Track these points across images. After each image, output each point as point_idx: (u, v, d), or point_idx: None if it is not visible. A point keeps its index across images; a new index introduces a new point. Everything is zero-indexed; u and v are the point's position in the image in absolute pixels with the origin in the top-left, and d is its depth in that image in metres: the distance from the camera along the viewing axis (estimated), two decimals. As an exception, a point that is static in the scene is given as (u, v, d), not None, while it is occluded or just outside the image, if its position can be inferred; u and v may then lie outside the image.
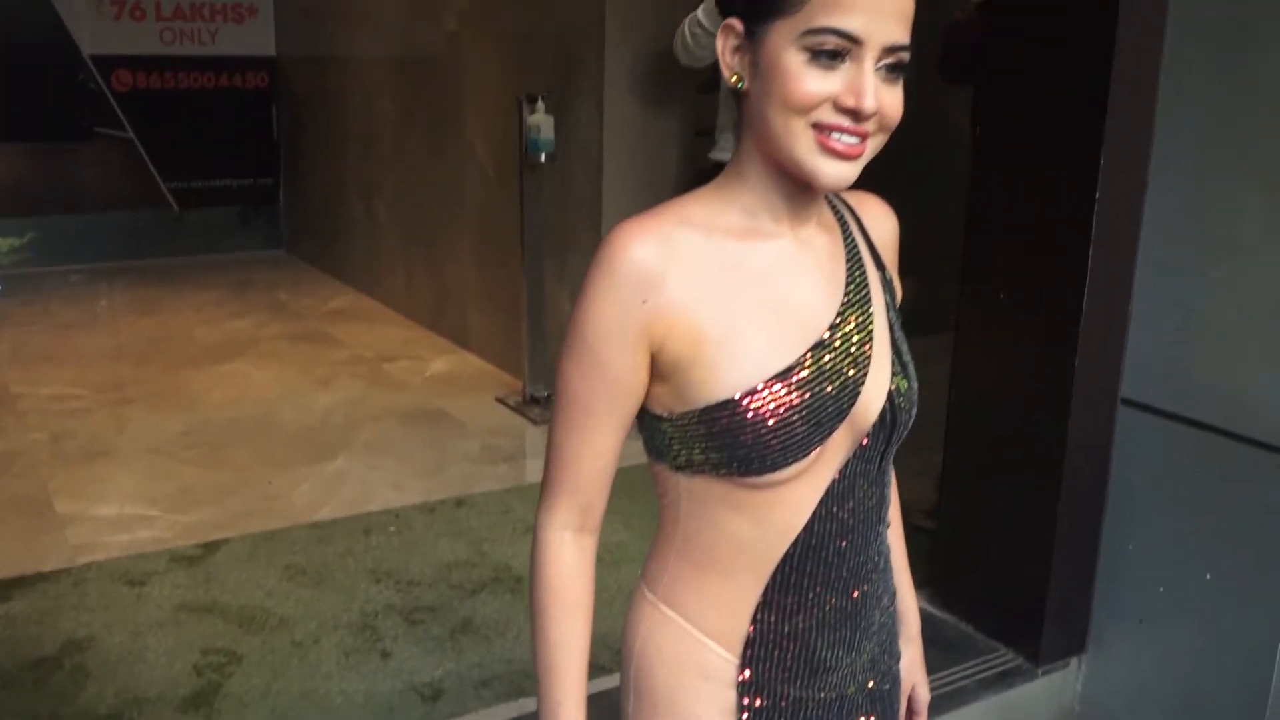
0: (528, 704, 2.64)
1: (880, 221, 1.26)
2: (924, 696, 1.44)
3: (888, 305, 1.20)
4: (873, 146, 1.06)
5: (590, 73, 4.45)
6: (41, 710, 2.65)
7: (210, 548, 3.48)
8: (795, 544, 1.14)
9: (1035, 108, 2.69)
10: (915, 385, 1.19)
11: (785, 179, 1.10)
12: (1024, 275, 2.74)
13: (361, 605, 3.15)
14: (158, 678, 2.79)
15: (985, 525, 2.94)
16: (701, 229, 1.10)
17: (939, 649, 2.90)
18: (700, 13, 3.28)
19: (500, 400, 4.92)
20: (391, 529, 3.65)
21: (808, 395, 1.09)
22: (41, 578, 3.27)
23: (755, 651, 1.17)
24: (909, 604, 1.43)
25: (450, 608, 3.15)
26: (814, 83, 1.02)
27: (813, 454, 1.10)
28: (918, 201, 5.46)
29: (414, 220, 6.22)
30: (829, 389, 1.10)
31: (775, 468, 1.09)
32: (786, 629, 1.17)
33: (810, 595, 1.16)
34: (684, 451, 1.12)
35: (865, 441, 1.15)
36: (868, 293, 1.17)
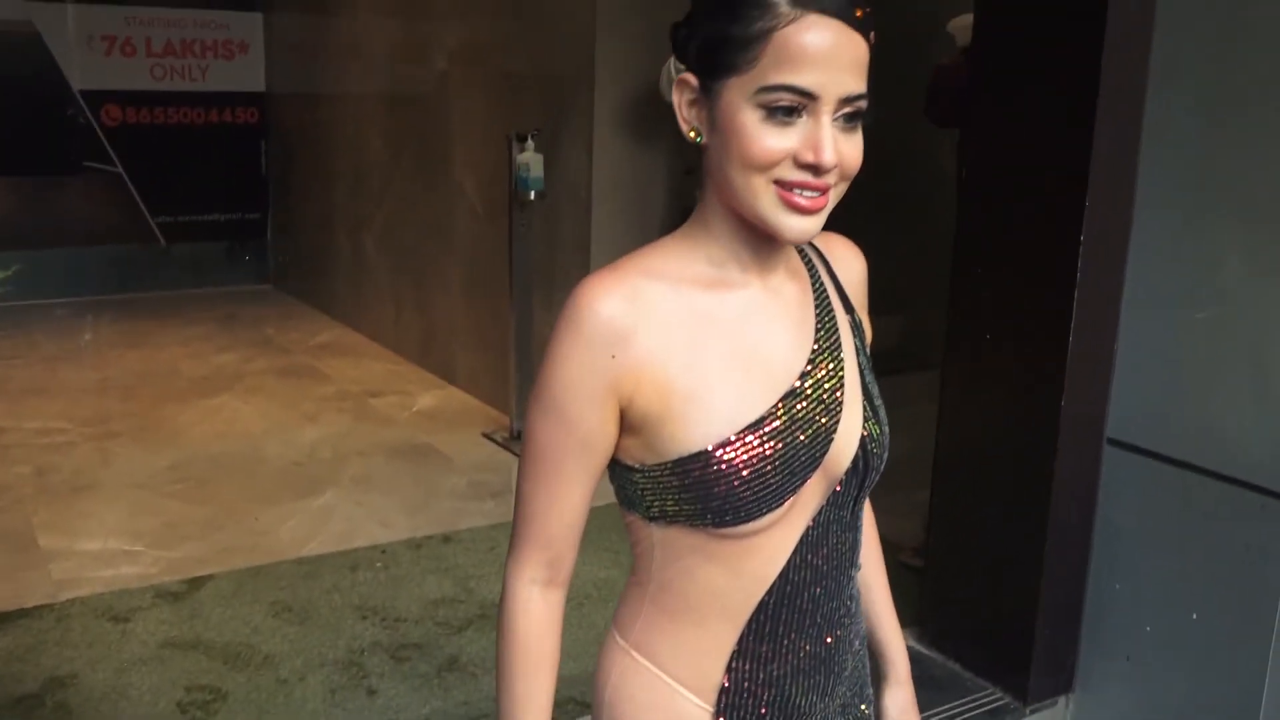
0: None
1: (848, 263, 1.26)
2: None
3: (858, 349, 1.19)
4: (834, 196, 1.06)
5: (580, 112, 4.49)
6: (23, 748, 2.63)
7: (195, 584, 3.46)
8: (770, 592, 1.14)
9: (1020, 150, 2.73)
10: (886, 429, 1.19)
11: (750, 229, 1.09)
12: (1010, 315, 2.77)
13: (348, 642, 3.14)
14: (142, 715, 2.76)
15: (973, 564, 2.95)
16: (668, 281, 1.09)
17: (927, 688, 2.89)
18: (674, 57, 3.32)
19: (487, 436, 4.91)
20: (378, 565, 3.63)
21: (781, 445, 1.08)
22: (24, 613, 3.24)
23: (730, 699, 1.16)
24: (897, 647, 1.42)
25: (437, 645, 3.14)
26: (772, 140, 1.02)
27: (787, 503, 1.10)
28: (912, 241, 5.47)
29: (402, 256, 6.24)
30: (802, 437, 1.09)
31: (750, 518, 1.08)
32: (762, 677, 1.16)
33: (785, 643, 1.16)
34: (657, 502, 1.11)
35: (838, 488, 1.15)
36: (838, 338, 1.16)
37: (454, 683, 2.95)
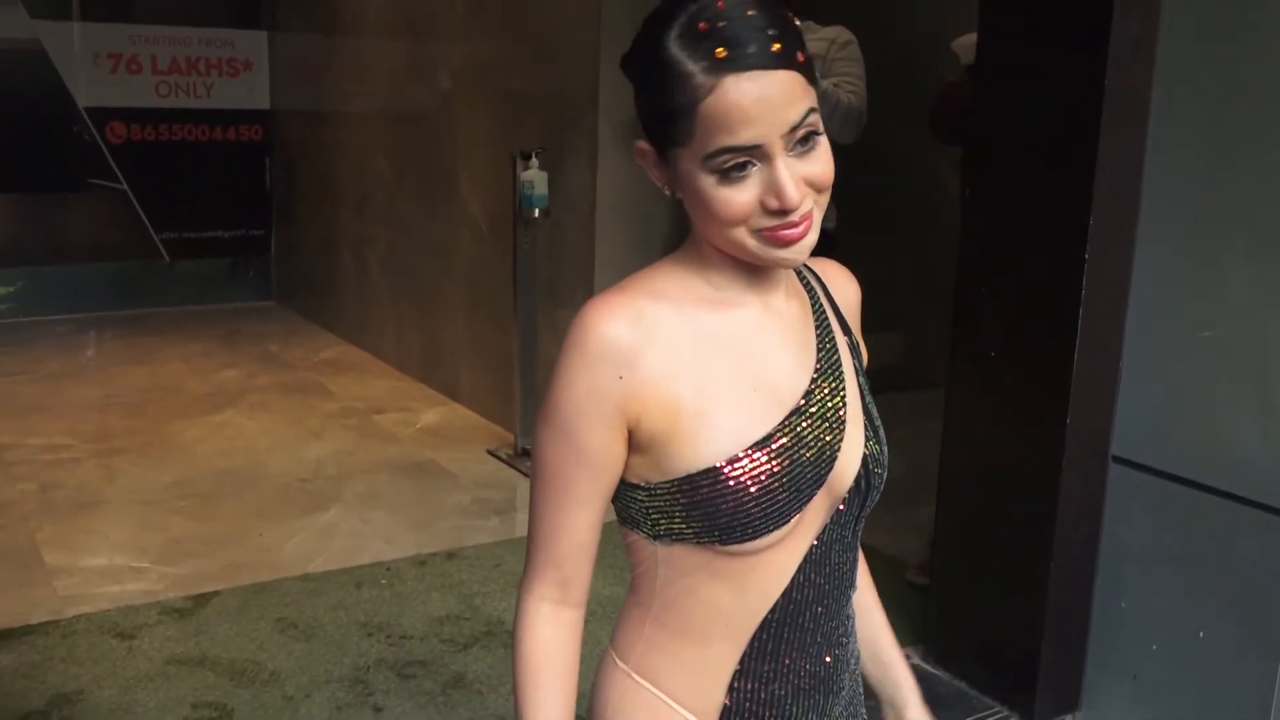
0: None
1: (843, 288, 1.28)
2: None
3: (856, 370, 1.21)
4: (817, 212, 1.08)
5: (584, 130, 4.51)
6: (29, 765, 2.62)
7: (201, 600, 3.46)
8: (774, 610, 1.14)
9: (1024, 168, 2.75)
10: (886, 449, 1.21)
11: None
12: (1014, 333, 2.78)
13: (353, 659, 3.14)
14: (148, 732, 2.76)
15: (978, 582, 2.95)
16: (672, 301, 1.11)
17: (933, 706, 2.88)
18: None
19: (492, 453, 4.92)
20: (383, 582, 3.63)
21: (787, 462, 1.09)
22: (29, 630, 3.24)
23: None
24: (905, 668, 1.42)
25: (442, 662, 3.14)
26: (735, 197, 1.04)
27: (793, 520, 1.10)
28: (916, 258, 5.48)
29: (406, 272, 6.25)
30: (807, 455, 1.11)
31: (757, 535, 1.09)
32: (764, 696, 1.16)
33: (786, 662, 1.16)
34: (663, 520, 1.12)
35: (842, 506, 1.16)
36: (838, 357, 1.18)
37: (459, 700, 2.94)
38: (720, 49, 1.00)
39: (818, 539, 1.15)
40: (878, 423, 1.20)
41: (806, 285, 1.22)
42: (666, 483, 1.10)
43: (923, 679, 2.94)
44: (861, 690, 1.32)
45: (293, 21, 7.58)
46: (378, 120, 6.46)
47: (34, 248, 7.59)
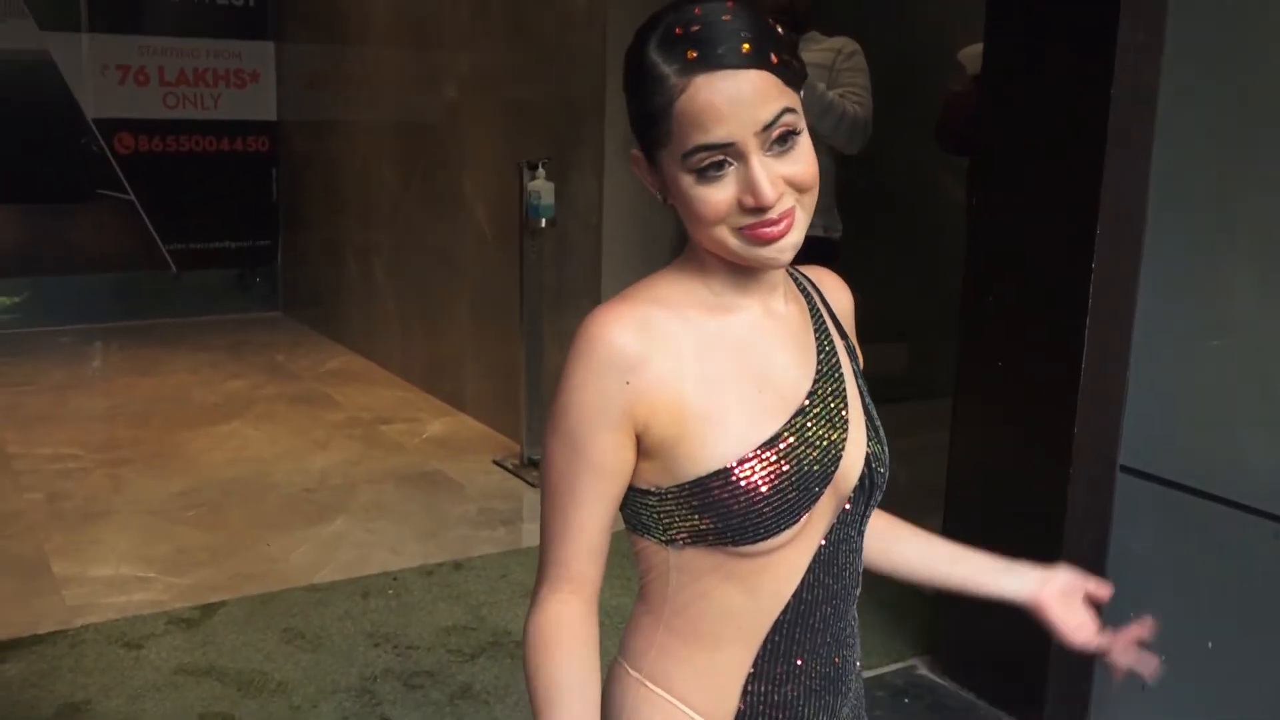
0: (528, 771, 2.62)
1: (837, 294, 1.30)
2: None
3: (855, 372, 1.23)
4: (800, 210, 1.10)
5: (590, 139, 4.52)
6: (37, 775, 2.63)
7: (208, 610, 3.47)
8: (785, 611, 1.16)
9: (1031, 178, 2.75)
10: (888, 449, 1.23)
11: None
12: (1021, 343, 2.78)
13: (360, 669, 3.14)
14: (155, 742, 2.76)
15: (985, 591, 2.94)
16: (675, 308, 1.13)
17: (943, 717, 2.88)
18: None
19: (498, 463, 4.92)
20: (390, 592, 3.63)
21: (795, 461, 1.11)
22: (38, 640, 3.25)
23: None
24: (982, 556, 1.43)
25: (449, 672, 3.14)
26: (713, 196, 1.07)
27: (802, 520, 1.12)
28: (923, 268, 5.48)
29: (412, 283, 6.26)
30: (813, 454, 1.13)
31: (770, 534, 1.11)
32: (776, 698, 1.17)
33: (798, 663, 1.18)
34: (675, 525, 1.13)
35: (848, 506, 1.18)
36: (838, 359, 1.21)
37: (467, 711, 2.94)
38: (691, 51, 1.05)
39: (826, 539, 1.17)
40: (878, 423, 1.23)
41: (803, 290, 1.25)
42: (677, 486, 1.11)
43: (931, 690, 2.95)
44: (864, 693, 1.33)
45: (299, 33, 7.61)
46: (384, 131, 6.48)
47: (41, 258, 7.61)
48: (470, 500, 4.50)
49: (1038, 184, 2.73)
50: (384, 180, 6.50)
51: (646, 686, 1.18)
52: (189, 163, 7.82)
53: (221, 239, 8.09)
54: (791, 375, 1.16)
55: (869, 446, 1.19)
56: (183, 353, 6.98)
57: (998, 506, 2.87)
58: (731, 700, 1.17)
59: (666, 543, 1.14)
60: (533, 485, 4.63)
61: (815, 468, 1.12)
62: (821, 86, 3.50)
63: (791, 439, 1.12)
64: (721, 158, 1.06)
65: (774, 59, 1.06)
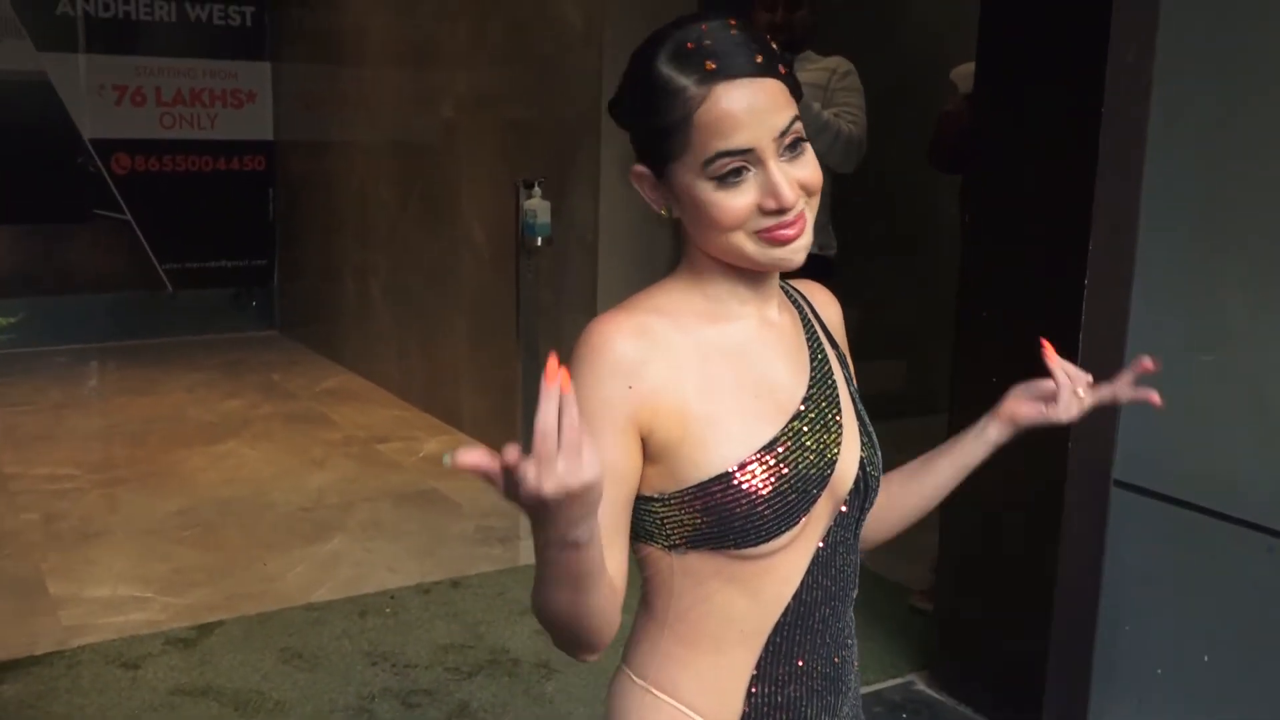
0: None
1: (827, 307, 1.34)
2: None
3: (846, 379, 1.27)
4: (810, 213, 1.14)
5: (586, 158, 4.54)
6: (34, 796, 2.62)
7: (205, 630, 3.46)
8: (786, 613, 1.19)
9: (1023, 195, 2.77)
10: (880, 455, 1.27)
11: (740, 268, 1.17)
12: (1015, 359, 2.78)
13: (358, 688, 3.14)
14: (152, 763, 2.76)
15: (983, 607, 2.96)
16: (673, 316, 1.16)
17: (938, 732, 2.89)
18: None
19: (494, 481, 4.91)
20: (387, 610, 3.63)
21: (793, 465, 1.14)
22: (34, 661, 3.24)
23: None
24: (951, 445, 1.44)
25: (447, 691, 3.14)
26: (733, 202, 1.11)
27: (800, 522, 1.15)
28: (918, 285, 5.49)
29: (409, 301, 6.28)
30: (810, 457, 1.16)
31: (770, 537, 1.14)
32: (779, 699, 1.20)
33: (800, 664, 1.20)
34: (678, 530, 1.15)
35: (844, 508, 1.21)
36: (830, 367, 1.25)
37: (464, 729, 2.94)
38: (709, 62, 1.09)
39: (823, 541, 1.20)
40: (870, 429, 1.27)
41: (794, 303, 1.29)
42: (680, 491, 1.13)
43: (928, 705, 2.95)
44: (860, 694, 1.36)
45: (296, 53, 7.65)
46: (381, 150, 6.50)
47: (38, 278, 7.62)
48: (467, 518, 4.50)
49: (1030, 201, 2.75)
50: (381, 199, 6.52)
51: (652, 694, 1.20)
52: (186, 182, 7.84)
53: (218, 258, 8.11)
54: (786, 381, 1.19)
55: (862, 451, 1.23)
56: (179, 372, 6.98)
57: (993, 521, 2.87)
58: (736, 703, 1.19)
59: (669, 548, 1.16)
60: (530, 503, 4.63)
61: (812, 471, 1.16)
62: (817, 106, 3.52)
63: (789, 443, 1.15)
64: (741, 164, 1.10)
65: (781, 69, 1.12)
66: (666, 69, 1.10)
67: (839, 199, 3.83)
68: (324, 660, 3.29)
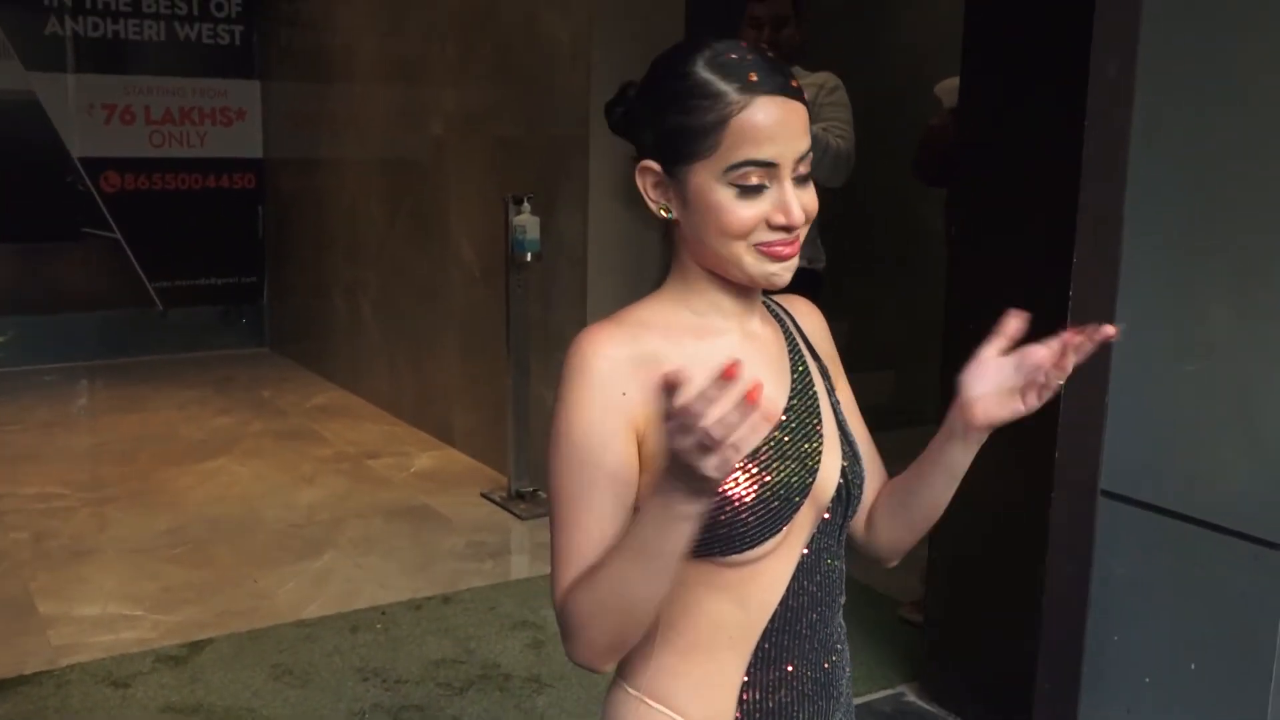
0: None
1: (807, 317, 1.37)
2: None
3: (827, 390, 1.30)
4: (802, 237, 1.19)
5: (575, 175, 4.56)
6: (24, 815, 2.61)
7: (195, 647, 3.46)
8: (773, 619, 1.21)
9: (1008, 207, 2.79)
10: (862, 463, 1.29)
11: (727, 282, 1.21)
12: (1003, 370, 2.80)
13: (349, 705, 3.13)
14: (143, 781, 2.75)
15: (971, 618, 2.97)
16: (659, 329, 1.19)
17: (929, 743, 2.89)
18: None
19: (486, 496, 4.92)
20: (378, 626, 3.63)
21: (776, 473, 1.17)
22: (23, 680, 3.23)
23: None
24: (928, 454, 1.32)
25: (438, 706, 3.13)
26: (746, 211, 1.14)
27: (784, 529, 1.18)
28: (905, 298, 5.49)
29: (399, 318, 6.28)
30: (791, 465, 1.19)
31: (754, 544, 1.16)
32: (770, 704, 1.22)
33: (789, 669, 1.23)
34: None
35: (827, 515, 1.24)
36: (811, 378, 1.28)
37: (456, 744, 2.94)
38: (753, 74, 1.14)
39: (808, 548, 1.23)
40: (852, 438, 1.29)
41: (776, 316, 1.32)
42: None
43: (919, 716, 2.96)
44: (853, 701, 1.37)
45: (285, 71, 7.66)
46: (370, 167, 6.52)
47: (27, 297, 7.60)
48: (458, 534, 4.50)
49: (1014, 213, 2.78)
50: (370, 216, 6.53)
51: (646, 703, 1.22)
52: (175, 200, 7.84)
53: (208, 276, 8.11)
54: (770, 392, 1.20)
55: (843, 459, 1.26)
56: (169, 390, 6.97)
57: (981, 532, 2.89)
58: (728, 709, 1.21)
59: None
60: (520, 518, 4.64)
61: (794, 479, 1.18)
62: (804, 120, 3.55)
63: (771, 452, 1.17)
64: (762, 176, 1.14)
65: (805, 98, 1.17)
66: (706, 73, 1.14)
67: (827, 213, 3.86)
68: (315, 677, 3.29)
